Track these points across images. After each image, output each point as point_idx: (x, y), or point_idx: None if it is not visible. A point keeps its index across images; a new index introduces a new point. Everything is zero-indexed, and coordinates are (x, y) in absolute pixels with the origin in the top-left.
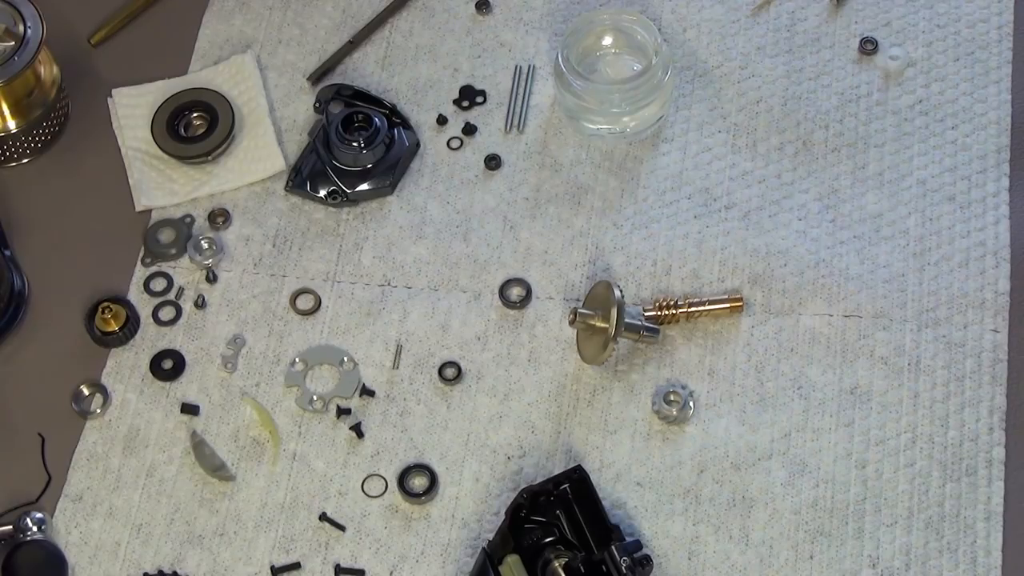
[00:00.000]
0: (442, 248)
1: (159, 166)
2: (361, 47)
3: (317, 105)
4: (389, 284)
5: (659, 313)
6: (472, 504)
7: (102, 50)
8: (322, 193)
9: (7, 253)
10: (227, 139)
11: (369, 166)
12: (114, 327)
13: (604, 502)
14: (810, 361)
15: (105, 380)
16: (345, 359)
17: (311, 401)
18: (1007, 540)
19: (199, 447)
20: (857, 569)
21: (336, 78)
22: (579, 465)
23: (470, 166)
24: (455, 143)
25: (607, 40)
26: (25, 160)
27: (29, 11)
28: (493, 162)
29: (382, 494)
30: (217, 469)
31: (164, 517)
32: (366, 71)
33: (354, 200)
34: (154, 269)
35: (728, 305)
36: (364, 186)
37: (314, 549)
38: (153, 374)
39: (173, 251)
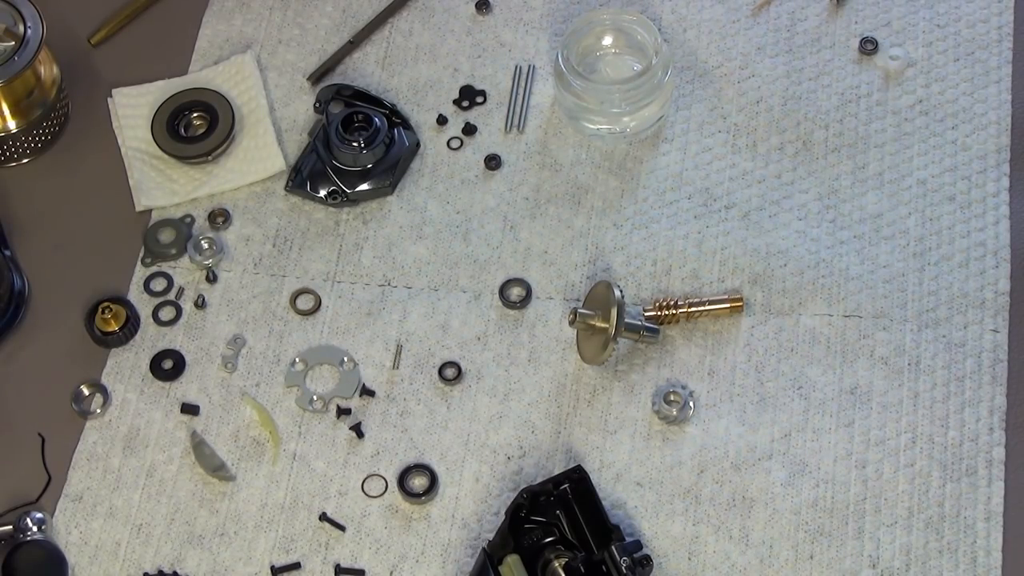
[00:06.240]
0: (442, 248)
1: (159, 166)
2: (361, 47)
3: (317, 105)
4: (389, 284)
5: (659, 313)
6: (472, 504)
7: (102, 50)
8: (322, 193)
9: (7, 253)
10: (227, 139)
11: (369, 166)
12: (114, 327)
13: (604, 502)
14: (810, 361)
15: (105, 380)
16: (345, 359)
17: (311, 401)
18: (1007, 540)
19: (199, 447)
20: (857, 569)
21: (336, 78)
22: (579, 465)
23: (470, 166)
24: (455, 143)
25: (607, 40)
26: (25, 160)
27: (29, 11)
28: (493, 162)
29: (382, 494)
30: (217, 469)
31: (164, 517)
32: (366, 71)
33: (354, 200)
34: (154, 269)
35: (728, 305)
36: (364, 186)
37: (314, 549)
38: (153, 374)
39: (173, 251)
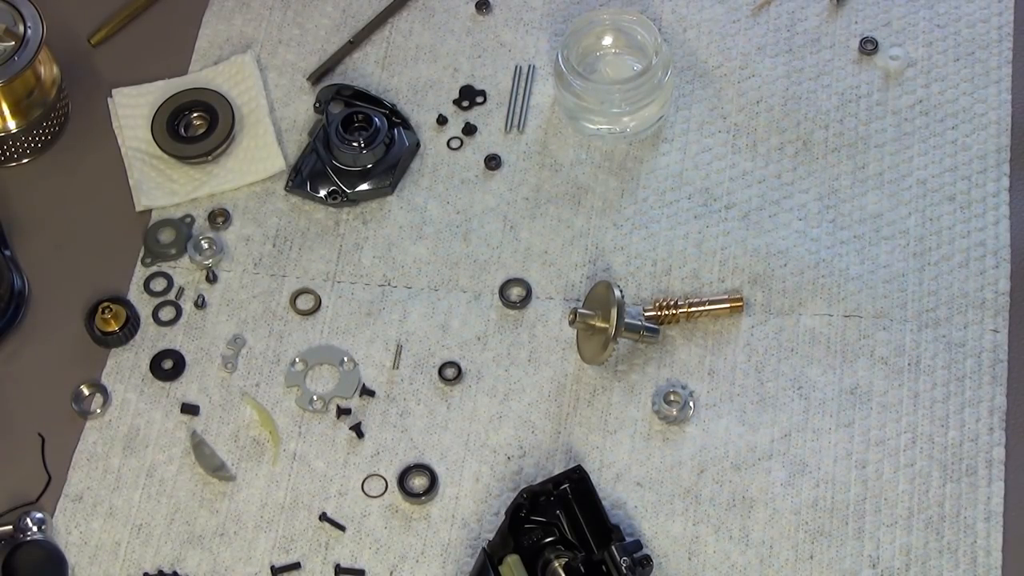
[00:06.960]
0: (442, 248)
1: (159, 166)
2: (361, 47)
3: (317, 105)
4: (389, 284)
5: (659, 313)
6: (472, 504)
7: (102, 50)
8: (322, 193)
9: (7, 253)
10: (227, 139)
11: (369, 166)
12: (114, 327)
13: (604, 502)
14: (810, 361)
15: (105, 380)
16: (345, 359)
17: (311, 401)
18: (1007, 540)
19: (199, 447)
20: (857, 569)
21: (336, 78)
22: (579, 465)
23: (470, 166)
24: (455, 143)
25: (607, 40)
26: (25, 160)
27: (29, 11)
28: (493, 162)
29: (382, 494)
30: (217, 469)
31: (164, 517)
32: (366, 71)
33: (354, 200)
34: (154, 269)
35: (728, 305)
36: (364, 186)
37: (314, 549)
38: (153, 374)
39: (173, 251)
